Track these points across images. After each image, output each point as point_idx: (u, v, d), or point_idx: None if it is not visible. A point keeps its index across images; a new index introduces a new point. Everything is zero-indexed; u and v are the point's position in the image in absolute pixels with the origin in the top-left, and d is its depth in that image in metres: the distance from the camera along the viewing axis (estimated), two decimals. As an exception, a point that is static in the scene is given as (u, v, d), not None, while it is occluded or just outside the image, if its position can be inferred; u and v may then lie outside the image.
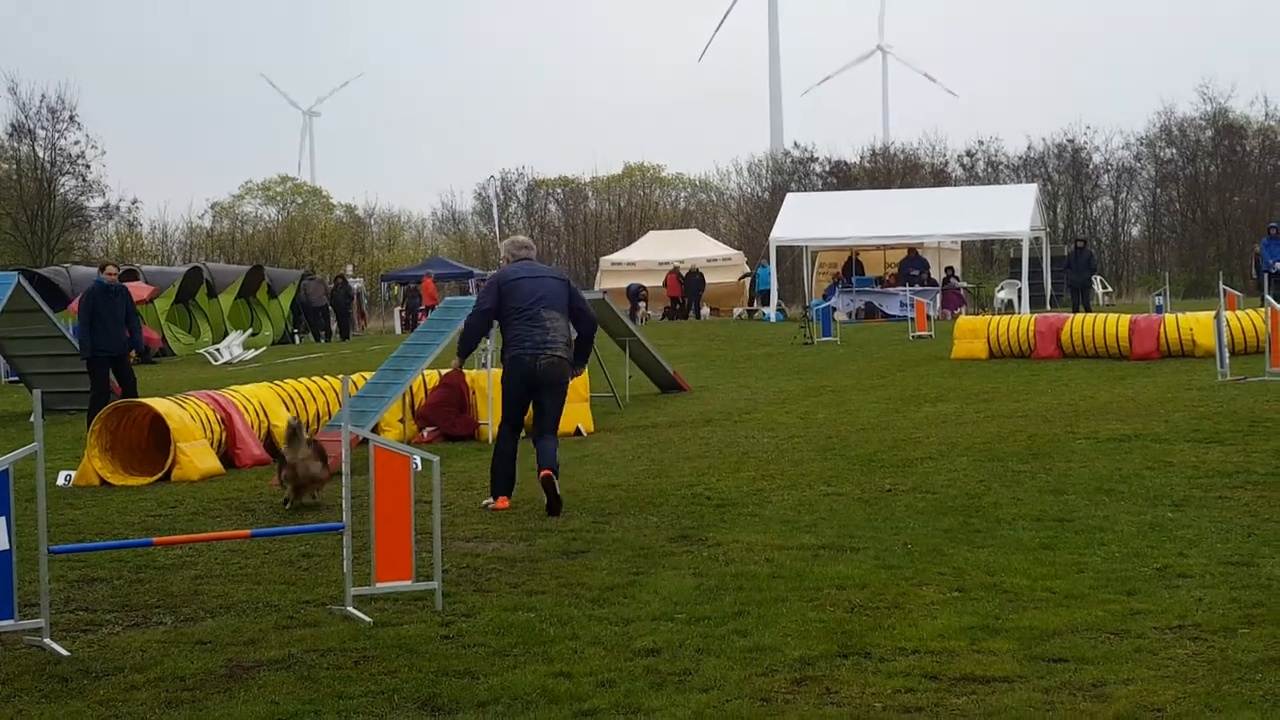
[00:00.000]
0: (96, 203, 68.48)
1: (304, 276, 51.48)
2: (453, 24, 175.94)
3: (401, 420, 18.29)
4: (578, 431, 18.33)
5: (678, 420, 19.34)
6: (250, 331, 45.16)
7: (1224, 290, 25.01)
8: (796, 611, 8.52)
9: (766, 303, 49.30)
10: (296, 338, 48.88)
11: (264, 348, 42.67)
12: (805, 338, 35.20)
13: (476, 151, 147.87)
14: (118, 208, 70.16)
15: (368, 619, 8.63)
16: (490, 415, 18.06)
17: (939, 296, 45.08)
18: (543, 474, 12.40)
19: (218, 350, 39.32)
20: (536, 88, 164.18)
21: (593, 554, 10.55)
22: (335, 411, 17.67)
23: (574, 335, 13.06)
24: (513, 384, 12.81)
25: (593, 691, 7.11)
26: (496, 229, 72.59)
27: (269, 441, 17.13)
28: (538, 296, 12.71)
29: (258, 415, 17.21)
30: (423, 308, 50.96)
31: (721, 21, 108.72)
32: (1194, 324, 25.85)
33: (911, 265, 47.43)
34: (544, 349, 12.61)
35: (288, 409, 17.80)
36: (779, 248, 48.67)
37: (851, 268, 49.26)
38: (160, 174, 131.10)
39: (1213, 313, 23.55)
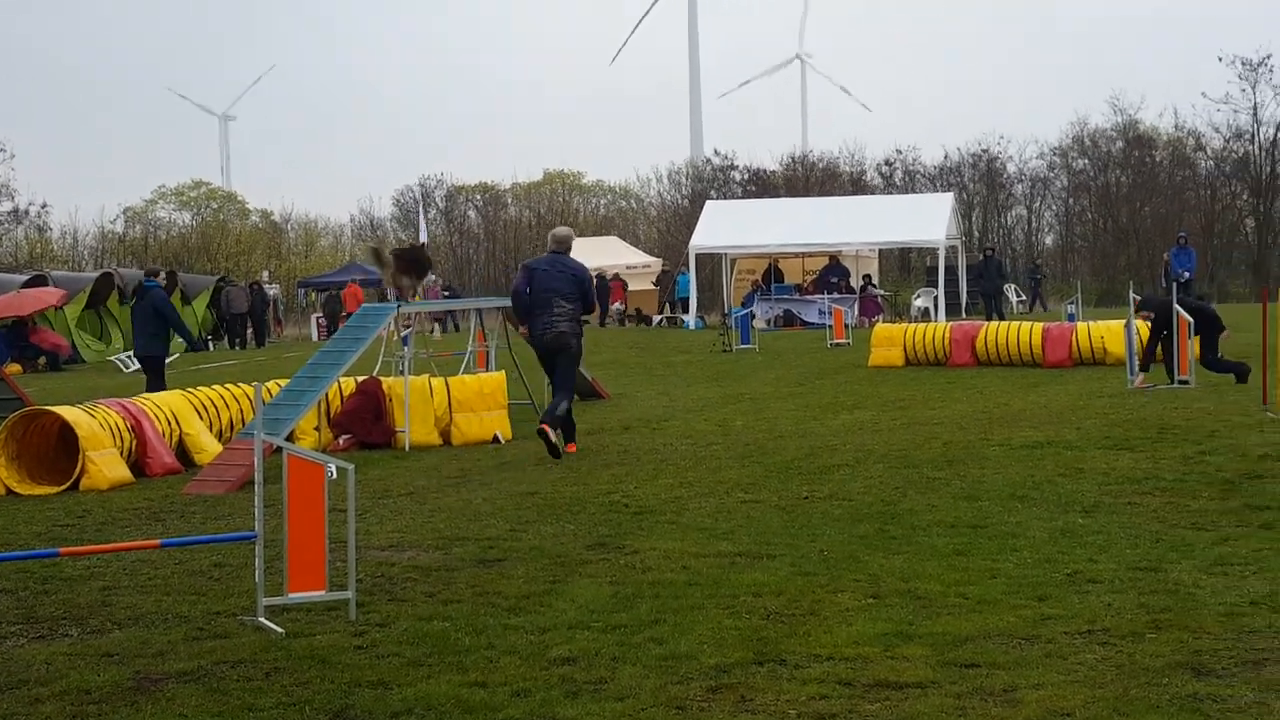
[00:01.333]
0: (5, 207, 67.64)
1: (221, 281, 51.02)
2: (371, 29, 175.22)
3: (317, 428, 18.17)
4: (495, 439, 18.28)
5: (596, 428, 19.32)
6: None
7: (1134, 299, 25.29)
8: (713, 619, 8.53)
9: (686, 310, 49.40)
10: (210, 344, 48.43)
11: (177, 355, 42.24)
12: (724, 345, 35.29)
13: (396, 158, 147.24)
14: (26, 212, 69.30)
15: (280, 630, 8.55)
16: (407, 423, 17.99)
17: (856, 304, 45.32)
18: (541, 426, 15.88)
19: (129, 357, 38.88)
20: (456, 93, 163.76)
21: (509, 562, 10.51)
22: (249, 419, 17.53)
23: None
24: (537, 353, 16.89)
25: (508, 701, 7.09)
26: (424, 237, 72.34)
27: (181, 450, 16.97)
28: (551, 287, 16.44)
29: (169, 423, 17.04)
30: (344, 314, 50.62)
31: (636, 25, 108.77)
32: (1105, 332, 26.13)
33: (832, 273, 47.69)
34: (549, 328, 16.44)
35: (200, 417, 17.66)
36: (698, 255, 48.80)
37: (770, 275, 49.45)
38: (71, 179, 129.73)
39: (1123, 321, 23.80)
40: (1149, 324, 21.92)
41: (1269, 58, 66.43)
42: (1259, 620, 8.06)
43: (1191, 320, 20.73)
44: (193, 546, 11.14)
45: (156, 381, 21.63)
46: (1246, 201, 69.27)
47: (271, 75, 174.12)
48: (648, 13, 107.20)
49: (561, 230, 17.47)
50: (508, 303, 18.57)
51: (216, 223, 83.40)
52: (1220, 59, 71.34)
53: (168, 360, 22.50)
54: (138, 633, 8.70)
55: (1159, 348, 21.64)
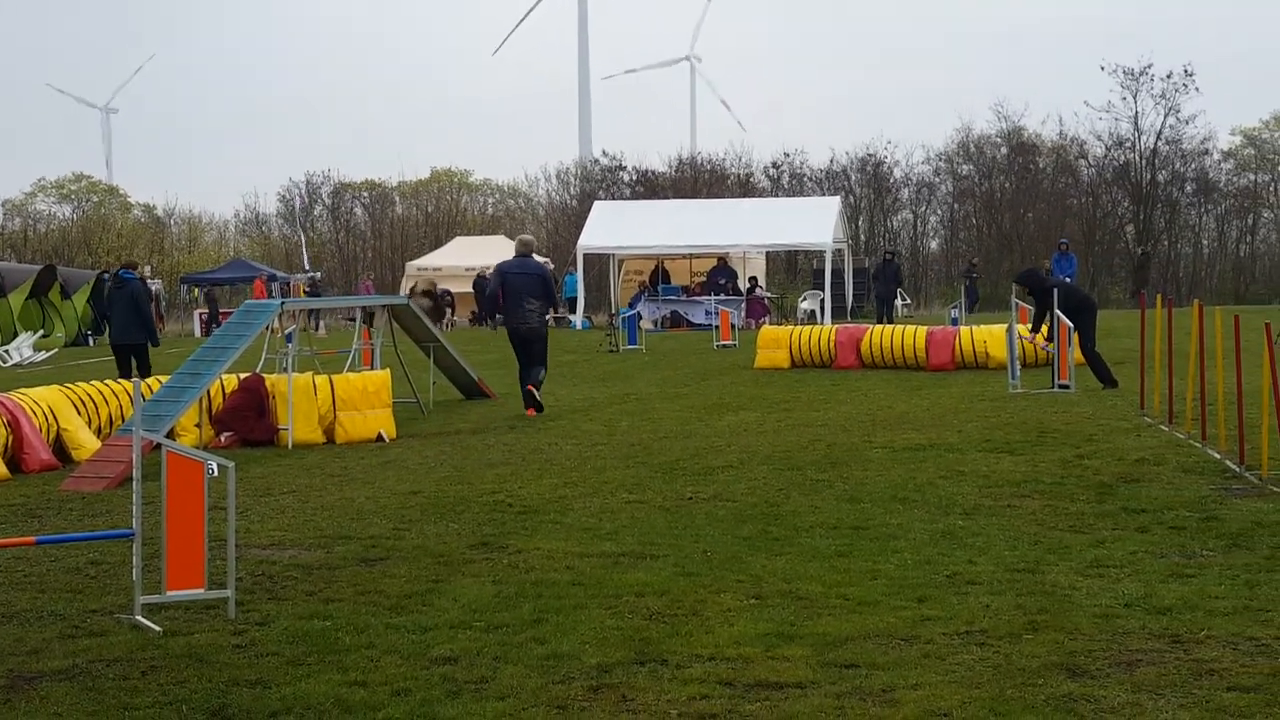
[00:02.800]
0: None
1: (103, 276, 50.20)
2: (258, 23, 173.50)
3: (198, 425, 17.98)
4: (379, 438, 18.18)
5: (481, 427, 19.28)
6: (42, 332, 44.00)
7: (1016, 304, 25.62)
8: (595, 619, 8.54)
9: (573, 310, 49.41)
10: (91, 339, 47.73)
11: (56, 349, 41.62)
12: (611, 346, 35.32)
13: (281, 154, 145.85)
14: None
15: (157, 628, 8.45)
16: (290, 421, 17.85)
17: (743, 306, 45.54)
18: (527, 388, 20.28)
19: (7, 352, 38.27)
20: (344, 89, 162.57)
21: (392, 561, 10.46)
22: (129, 415, 17.31)
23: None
24: (512, 341, 20.65)
25: (388, 700, 7.06)
26: (302, 236, 71.80)
27: (58, 446, 16.72)
28: (522, 287, 20.20)
29: (47, 419, 16.77)
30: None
31: (522, 19, 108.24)
32: (987, 336, 26.45)
33: (720, 274, 47.89)
34: (524, 321, 20.29)
35: (79, 413, 17.40)
36: (586, 255, 48.83)
37: (658, 276, 49.56)
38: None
39: (1005, 325, 24.11)
40: (1030, 306, 22.20)
41: (1150, 67, 67.61)
42: (1133, 622, 8.19)
43: (1071, 325, 21.02)
44: (69, 544, 10.98)
45: (142, 368, 22.51)
46: (1127, 209, 70.42)
47: (155, 68, 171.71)
48: (535, 5, 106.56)
49: (526, 237, 21.66)
50: (394, 301, 21.39)
51: (97, 216, 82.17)
52: (1103, 68, 72.23)
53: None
54: (12, 630, 8.56)
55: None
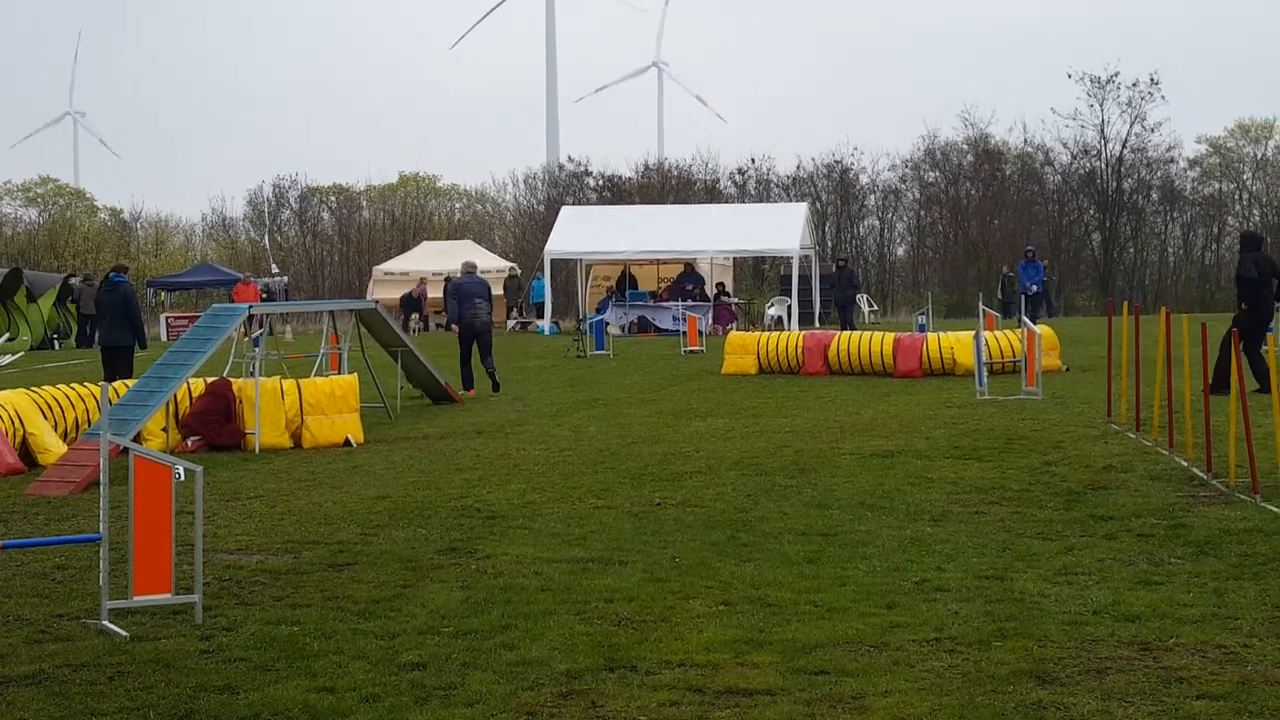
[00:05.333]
0: None
1: (77, 279, 49.91)
2: (225, 27, 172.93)
3: (165, 429, 17.90)
4: (347, 442, 18.13)
5: (449, 432, 19.24)
6: (7, 336, 43.73)
7: (983, 310, 25.70)
8: (564, 625, 8.53)
9: (541, 315, 49.36)
10: (57, 343, 47.48)
11: (21, 353, 41.36)
12: (578, 351, 35.29)
13: (249, 157, 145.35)
14: None
15: (124, 633, 8.41)
16: (257, 425, 17.79)
17: (711, 312, 45.56)
18: (490, 372, 25.09)
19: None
20: (311, 93, 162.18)
21: (359, 566, 10.43)
22: (95, 419, 17.22)
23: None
24: (465, 334, 25.13)
25: (356, 707, 7.03)
26: (268, 240, 71.58)
27: (24, 450, 16.62)
28: (473, 293, 25.28)
29: (13, 422, 16.67)
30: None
31: (484, 17, 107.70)
32: (955, 343, 26.51)
33: (687, 280, 47.91)
34: (476, 316, 25.07)
35: (45, 416, 17.31)
36: (553, 260, 48.79)
37: (625, 282, 49.57)
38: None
39: (972, 332, 24.18)
40: (996, 313, 22.22)
41: (1117, 75, 67.93)
42: (1102, 629, 8.22)
43: (1039, 332, 21.07)
44: (36, 548, 10.92)
45: (125, 370, 22.56)
46: (1093, 216, 70.74)
47: (122, 70, 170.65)
48: (498, 5, 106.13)
49: (470, 261, 28.72)
50: (360, 305, 23.60)
51: (63, 220, 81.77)
52: (1070, 75, 72.69)
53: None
54: (-24, 636, 8.50)
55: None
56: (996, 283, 49.81)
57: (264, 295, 51.46)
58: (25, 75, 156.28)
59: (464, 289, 25.38)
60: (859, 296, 48.62)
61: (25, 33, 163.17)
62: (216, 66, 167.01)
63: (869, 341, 27.35)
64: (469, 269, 26.54)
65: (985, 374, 22.03)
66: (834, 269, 47.45)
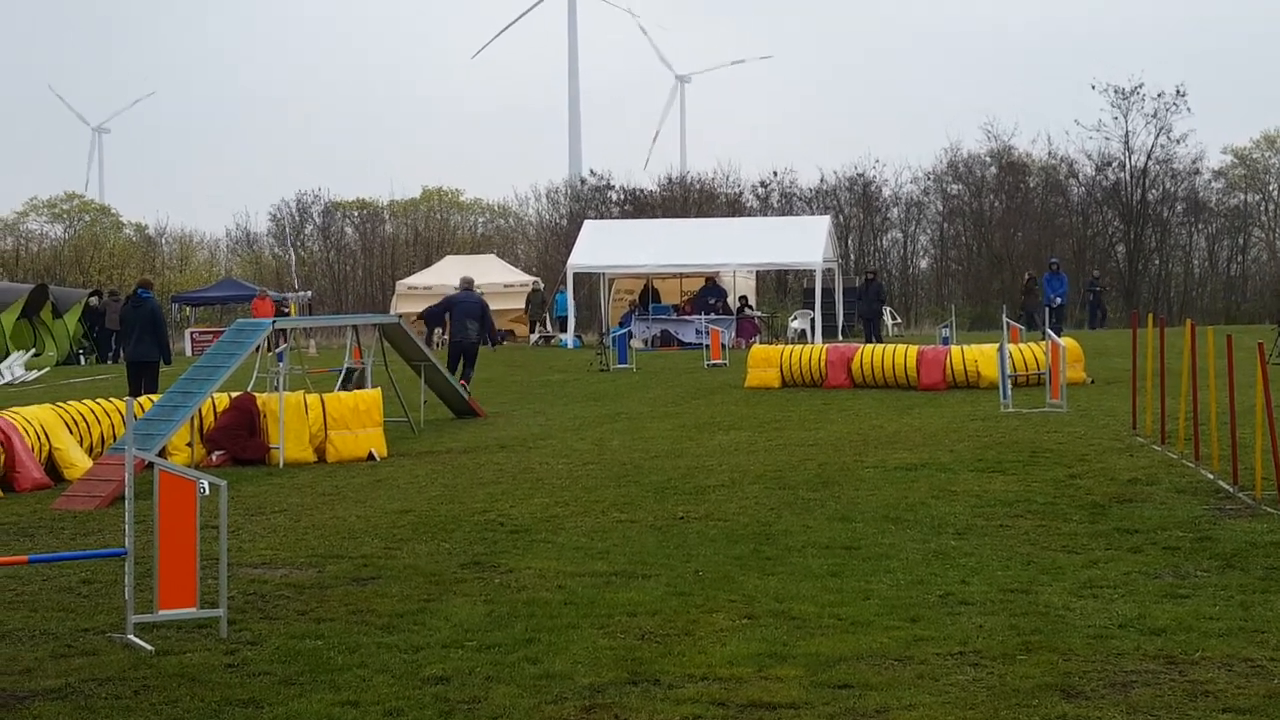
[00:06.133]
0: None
1: (103, 295, 50.05)
2: (246, 41, 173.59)
3: (190, 444, 17.94)
4: (370, 456, 18.15)
5: (472, 446, 19.26)
6: (33, 351, 43.90)
7: (1007, 323, 25.64)
8: (587, 638, 8.53)
9: (564, 329, 49.38)
10: (82, 358, 47.63)
11: (47, 368, 41.52)
12: (601, 364, 35.29)
13: (272, 172, 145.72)
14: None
15: (149, 647, 8.43)
16: (281, 440, 17.82)
17: (734, 325, 45.53)
18: (466, 378, 25.81)
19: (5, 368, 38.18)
20: (333, 109, 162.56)
21: (383, 580, 10.44)
22: (121, 434, 17.28)
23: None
24: (454, 350, 26.51)
25: (380, 720, 7.04)
26: (291, 255, 71.72)
27: (50, 465, 16.68)
28: (467, 311, 26.63)
29: (39, 438, 16.73)
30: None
31: (506, 28, 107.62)
32: (979, 356, 26.45)
33: (710, 294, 47.88)
34: (465, 337, 26.54)
35: (71, 432, 17.37)
36: (576, 274, 48.82)
37: (648, 295, 49.56)
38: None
39: (996, 345, 24.12)
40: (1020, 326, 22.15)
41: (1141, 86, 67.69)
42: (1127, 643, 8.19)
43: (1064, 346, 21.03)
44: (62, 563, 10.95)
45: (150, 385, 23.06)
46: (1118, 228, 70.51)
47: (147, 86, 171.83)
48: (521, 16, 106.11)
49: (467, 276, 30.15)
50: (384, 319, 23.83)
51: (89, 236, 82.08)
52: (1094, 86, 72.31)
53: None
54: (4, 649, 8.53)
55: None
56: (1021, 288, 49.67)
57: (283, 310, 51.57)
58: (52, 84, 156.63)
59: (459, 307, 26.91)
60: (884, 309, 48.55)
61: (52, 44, 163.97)
62: (241, 82, 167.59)
63: (892, 354, 27.30)
64: (467, 285, 28.11)
65: (1009, 387, 21.98)
66: (863, 282, 47.38)
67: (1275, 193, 73.76)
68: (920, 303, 71.47)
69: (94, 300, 48.89)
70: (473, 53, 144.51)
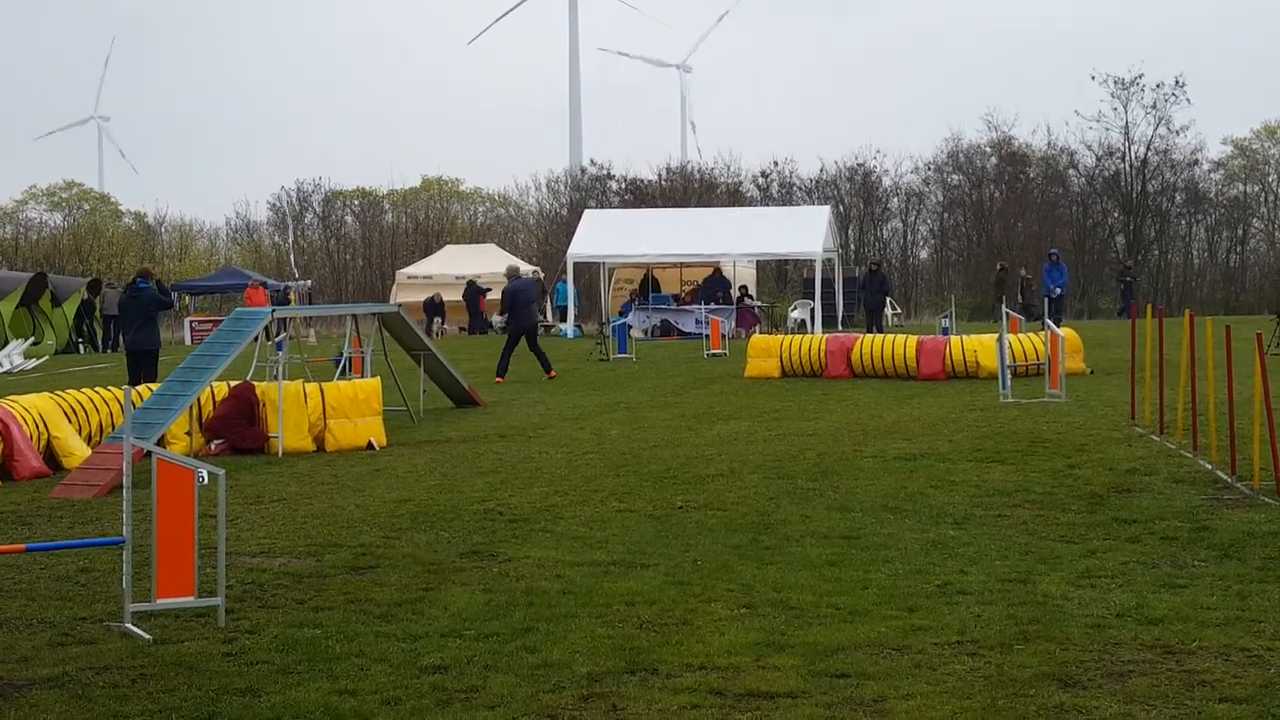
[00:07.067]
0: None
1: (102, 284, 50.04)
2: (246, 31, 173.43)
3: (189, 433, 17.94)
4: (369, 446, 18.15)
5: (471, 435, 19.26)
6: (32, 340, 43.90)
7: (1006, 313, 25.63)
8: (586, 628, 8.53)
9: (564, 319, 49.39)
10: (81, 347, 47.63)
11: (46, 357, 41.53)
12: (601, 354, 35.29)
13: (272, 161, 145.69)
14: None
15: (147, 636, 8.44)
16: (280, 429, 17.83)
17: (734, 315, 45.52)
18: (551, 375, 28.46)
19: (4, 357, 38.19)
20: (334, 98, 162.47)
21: (382, 569, 10.45)
22: (119, 423, 17.28)
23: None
24: (517, 331, 28.87)
25: (378, 709, 7.05)
26: (290, 244, 71.70)
27: (49, 453, 16.69)
28: (529, 298, 29.75)
29: (37, 426, 16.74)
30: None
31: (505, 14, 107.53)
32: (978, 346, 26.43)
33: (715, 285, 47.90)
34: (529, 318, 29.45)
35: (69, 420, 17.37)
36: (576, 264, 48.81)
37: (648, 285, 49.54)
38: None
39: (996, 335, 24.11)
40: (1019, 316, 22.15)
41: (1141, 77, 67.60)
42: (1125, 633, 8.20)
43: (1063, 335, 21.02)
44: (59, 551, 10.97)
45: (149, 374, 23.21)
46: (1117, 219, 70.47)
47: (148, 76, 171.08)
48: (522, 2, 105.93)
49: (515, 265, 35.29)
50: (384, 308, 23.09)
51: (89, 225, 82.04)
52: (1094, 77, 72.17)
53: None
54: (2, 638, 8.55)
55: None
56: (993, 279, 49.81)
57: (286, 299, 51.58)
58: (54, 77, 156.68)
59: (520, 295, 29.53)
60: (887, 300, 48.56)
61: (55, 35, 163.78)
62: (240, 71, 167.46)
63: (892, 344, 27.29)
64: (517, 273, 31.24)
65: (1009, 377, 21.97)
66: (866, 272, 47.37)
67: (1275, 184, 73.69)
68: (920, 293, 71.47)
69: (87, 293, 48.87)
70: (470, 38, 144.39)
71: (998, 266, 50.96)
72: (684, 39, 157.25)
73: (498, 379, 27.52)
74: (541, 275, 56.12)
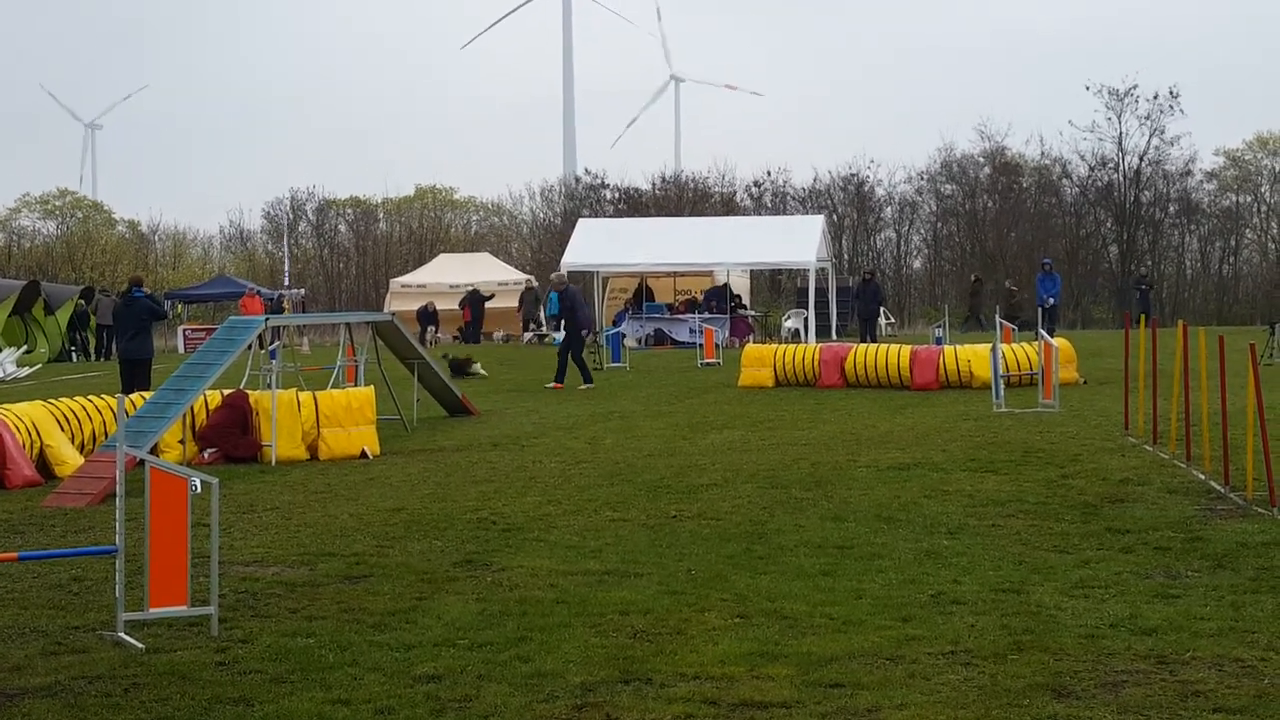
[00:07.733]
0: None
1: (95, 292, 49.98)
2: (244, 38, 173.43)
3: (182, 441, 17.92)
4: (363, 454, 18.14)
5: (465, 444, 19.25)
6: (25, 348, 43.84)
7: (1000, 323, 25.65)
8: (579, 637, 8.52)
9: (557, 328, 49.38)
10: (74, 355, 47.58)
11: (39, 365, 41.48)
12: (595, 363, 35.30)
13: (266, 170, 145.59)
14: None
15: (140, 645, 8.42)
16: (274, 438, 17.81)
17: (727, 324, 45.53)
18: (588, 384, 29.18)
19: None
20: (328, 106, 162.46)
21: (375, 579, 10.44)
22: (112, 431, 17.25)
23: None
24: (580, 334, 29.51)
25: (371, 719, 7.04)
26: (286, 252, 71.65)
27: (41, 462, 16.66)
28: (582, 300, 31.48)
29: (30, 435, 16.71)
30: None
31: (498, 20, 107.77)
32: (972, 356, 26.46)
33: (715, 296, 48.00)
34: (589, 322, 31.33)
35: (62, 429, 17.34)
36: (570, 273, 48.81)
37: (642, 294, 49.56)
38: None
39: (989, 345, 24.13)
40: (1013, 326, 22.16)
41: (1135, 88, 67.73)
42: (1118, 643, 8.19)
43: (1056, 345, 21.04)
44: (52, 560, 10.94)
45: (143, 382, 23.05)
46: (1110, 229, 70.55)
47: (140, 82, 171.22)
48: (515, 9, 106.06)
49: (561, 273, 35.46)
50: (377, 317, 23.02)
51: (82, 233, 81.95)
52: (1088, 88, 72.35)
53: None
54: (-8, 648, 8.52)
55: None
56: (968, 289, 49.98)
57: (280, 307, 51.52)
58: (54, 77, 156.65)
59: (578, 297, 30.98)
60: (880, 309, 48.60)
61: (44, 38, 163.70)
62: (234, 79, 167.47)
63: (885, 354, 27.32)
64: (565, 280, 32.48)
65: (1002, 387, 21.99)
66: (860, 282, 47.39)
67: (1267, 194, 73.79)
68: (914, 303, 71.49)
69: (81, 302, 48.80)
70: (462, 43, 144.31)
71: (972, 278, 51.05)
72: (684, 45, 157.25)
73: (588, 384, 28.61)
74: (536, 284, 56.10)
